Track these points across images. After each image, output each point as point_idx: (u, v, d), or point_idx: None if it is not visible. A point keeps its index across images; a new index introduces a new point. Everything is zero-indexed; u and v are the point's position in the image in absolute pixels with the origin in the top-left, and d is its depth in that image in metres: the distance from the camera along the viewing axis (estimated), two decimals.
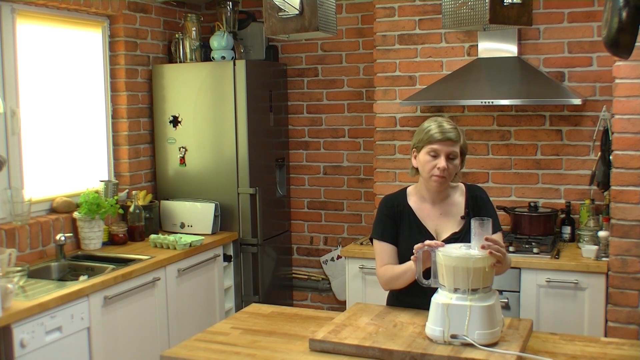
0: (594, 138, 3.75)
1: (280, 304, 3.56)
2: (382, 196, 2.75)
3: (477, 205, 2.58)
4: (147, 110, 4.46)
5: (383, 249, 2.60)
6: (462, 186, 2.65)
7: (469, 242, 2.25)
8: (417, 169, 2.59)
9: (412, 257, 2.36)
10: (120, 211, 3.97)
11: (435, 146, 2.49)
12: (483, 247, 2.19)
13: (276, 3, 2.66)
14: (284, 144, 4.83)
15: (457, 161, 2.52)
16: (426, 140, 2.50)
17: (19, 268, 3.08)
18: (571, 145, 3.89)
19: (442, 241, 2.39)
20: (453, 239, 2.49)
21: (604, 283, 3.39)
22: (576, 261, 3.45)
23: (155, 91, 4.45)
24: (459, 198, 2.61)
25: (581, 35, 3.83)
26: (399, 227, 2.60)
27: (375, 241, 2.64)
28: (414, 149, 2.58)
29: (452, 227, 2.57)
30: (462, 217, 2.56)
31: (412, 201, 2.63)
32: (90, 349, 3.15)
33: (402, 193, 2.67)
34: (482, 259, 2.18)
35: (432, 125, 2.52)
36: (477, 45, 3.96)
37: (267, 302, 3.80)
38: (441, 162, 2.48)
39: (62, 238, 3.59)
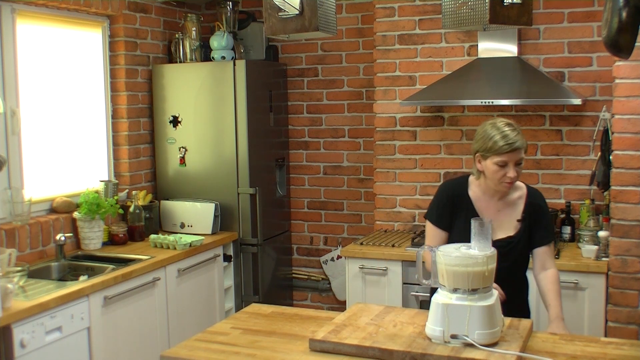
0: (594, 138, 3.75)
1: (280, 304, 3.56)
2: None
3: (536, 212, 2.61)
4: (147, 110, 4.45)
5: (435, 234, 2.67)
6: (524, 188, 2.67)
7: (523, 247, 2.28)
8: (482, 172, 2.59)
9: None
10: (120, 211, 3.96)
11: (503, 158, 2.49)
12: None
13: (276, 3, 2.66)
14: (284, 144, 4.83)
15: (523, 163, 2.56)
16: (493, 151, 2.50)
17: (19, 268, 3.07)
18: (571, 145, 3.89)
19: (496, 242, 2.40)
20: (507, 242, 2.55)
21: (604, 283, 3.39)
22: (576, 261, 3.45)
23: (155, 91, 4.45)
24: (518, 200, 2.64)
25: (581, 35, 3.83)
26: (456, 217, 2.63)
27: (429, 223, 2.70)
28: (477, 154, 2.57)
29: (507, 227, 2.60)
30: (519, 220, 2.59)
31: (472, 191, 2.65)
32: (90, 349, 3.15)
33: (464, 182, 2.68)
34: (482, 260, 2.18)
35: (495, 135, 2.50)
36: (477, 45, 3.96)
37: (267, 302, 3.79)
38: (511, 172, 2.50)
39: (62, 238, 3.59)
